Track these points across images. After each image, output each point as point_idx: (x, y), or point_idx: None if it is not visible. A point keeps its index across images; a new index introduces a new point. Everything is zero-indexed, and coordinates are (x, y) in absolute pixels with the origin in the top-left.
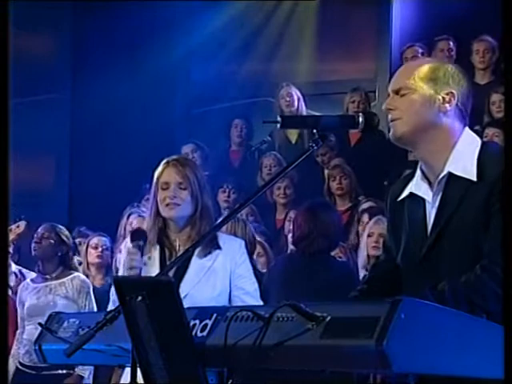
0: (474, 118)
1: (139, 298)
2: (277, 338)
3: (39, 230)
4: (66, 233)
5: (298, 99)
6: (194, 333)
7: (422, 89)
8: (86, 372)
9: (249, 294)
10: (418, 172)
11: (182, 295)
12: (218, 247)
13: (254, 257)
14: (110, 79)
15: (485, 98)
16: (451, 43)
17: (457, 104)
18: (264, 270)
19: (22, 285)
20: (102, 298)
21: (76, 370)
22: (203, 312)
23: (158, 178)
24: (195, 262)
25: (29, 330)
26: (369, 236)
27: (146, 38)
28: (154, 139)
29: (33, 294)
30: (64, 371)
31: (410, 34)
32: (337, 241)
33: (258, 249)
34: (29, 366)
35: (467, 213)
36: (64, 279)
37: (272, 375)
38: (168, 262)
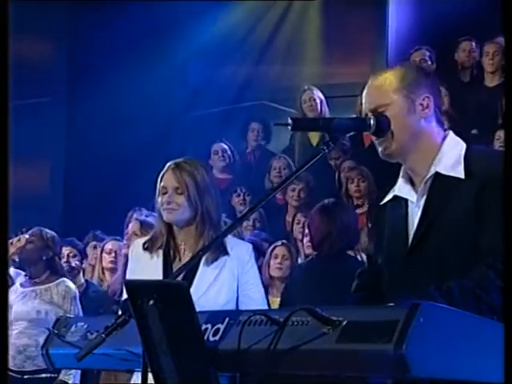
0: (486, 120)
1: (151, 301)
2: (291, 343)
3: (27, 234)
4: (53, 237)
5: (321, 103)
6: (206, 337)
7: (399, 100)
8: (71, 377)
9: (254, 301)
10: (401, 177)
11: None
12: (226, 253)
13: (279, 259)
14: (106, 82)
15: (496, 100)
16: (474, 44)
17: (434, 108)
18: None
19: (11, 288)
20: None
21: (60, 375)
22: (215, 316)
23: (159, 182)
24: (202, 270)
25: (13, 335)
26: None
27: (143, 41)
28: (151, 143)
29: (19, 299)
30: (48, 375)
31: (407, 37)
32: (355, 239)
33: (283, 251)
34: (12, 370)
35: (455, 210)
36: (50, 284)
37: (286, 380)
38: (174, 266)
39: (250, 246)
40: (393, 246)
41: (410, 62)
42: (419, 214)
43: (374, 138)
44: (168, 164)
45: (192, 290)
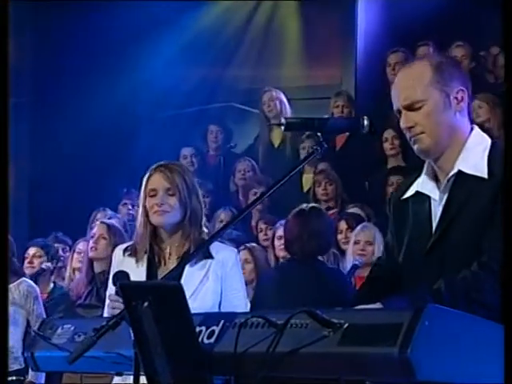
0: None
1: (145, 303)
2: (291, 345)
3: None
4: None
5: (282, 103)
6: (200, 339)
7: (435, 95)
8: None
9: (236, 307)
10: (425, 171)
11: None
12: (211, 256)
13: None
14: (71, 84)
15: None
16: (431, 49)
17: (468, 100)
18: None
19: None
20: None
21: (29, 375)
22: (209, 318)
23: (145, 185)
24: (189, 272)
25: None
26: (355, 243)
27: (111, 42)
28: (115, 144)
29: None
30: (14, 378)
31: (375, 39)
32: (327, 245)
33: (246, 255)
34: None
35: (474, 210)
36: (10, 285)
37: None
38: (159, 272)
39: (235, 251)
40: (414, 242)
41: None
42: (440, 212)
43: (407, 133)
44: (153, 167)
45: None
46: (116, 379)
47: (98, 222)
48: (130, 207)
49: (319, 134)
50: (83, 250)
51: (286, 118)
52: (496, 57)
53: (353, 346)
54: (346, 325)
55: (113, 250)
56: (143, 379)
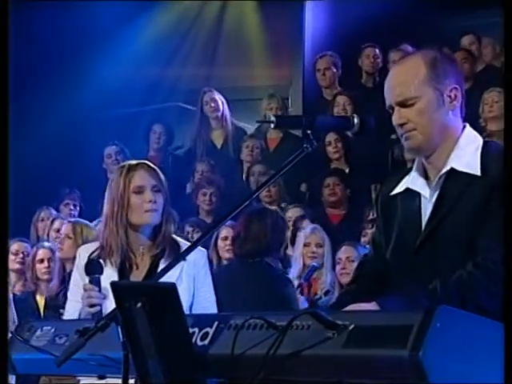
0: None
1: (139, 304)
2: (292, 348)
3: None
4: None
5: (223, 104)
6: (193, 341)
7: (428, 93)
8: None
9: (205, 309)
10: (416, 168)
11: None
12: (183, 258)
13: None
14: (21, 82)
15: None
16: (377, 50)
17: (460, 98)
18: None
19: None
20: (22, 305)
21: None
22: (202, 319)
23: (127, 183)
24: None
25: None
26: (305, 245)
27: (61, 43)
28: (58, 143)
29: None
30: None
31: (323, 42)
32: (269, 246)
33: None
34: None
35: (466, 208)
36: None
37: None
38: (131, 274)
39: (205, 251)
40: (404, 240)
41: (434, 47)
42: (431, 209)
43: (399, 130)
44: (130, 164)
45: None
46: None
47: (65, 222)
48: (71, 207)
49: (309, 131)
50: (19, 250)
51: (275, 116)
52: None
53: (359, 348)
54: (352, 326)
55: None
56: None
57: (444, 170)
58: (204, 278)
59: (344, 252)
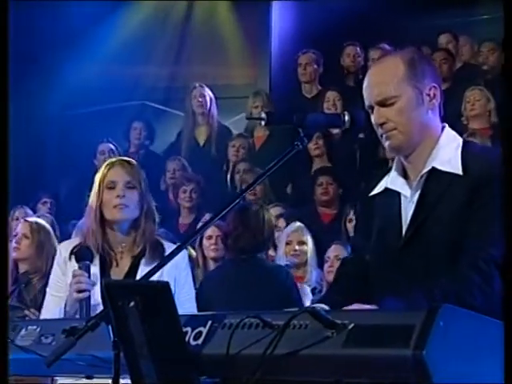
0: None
1: (132, 303)
2: (289, 347)
3: None
4: None
5: (211, 101)
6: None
7: (408, 92)
8: None
9: (185, 310)
10: (395, 168)
11: None
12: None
13: None
14: None
15: None
16: (358, 49)
17: (439, 97)
18: None
19: None
20: None
21: None
22: (195, 319)
23: (102, 179)
24: (143, 272)
25: None
26: (287, 244)
27: (32, 42)
28: (33, 143)
29: None
30: None
31: (290, 41)
32: (264, 242)
33: None
34: None
35: (449, 206)
36: None
37: None
38: (112, 272)
39: (186, 252)
40: (384, 240)
41: (412, 47)
42: (413, 209)
43: (379, 130)
44: (110, 160)
45: None
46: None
47: (21, 221)
48: (49, 206)
49: (300, 129)
50: None
51: (266, 113)
52: None
53: (359, 347)
54: (352, 325)
55: (37, 249)
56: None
57: (425, 170)
58: (185, 278)
59: (333, 250)
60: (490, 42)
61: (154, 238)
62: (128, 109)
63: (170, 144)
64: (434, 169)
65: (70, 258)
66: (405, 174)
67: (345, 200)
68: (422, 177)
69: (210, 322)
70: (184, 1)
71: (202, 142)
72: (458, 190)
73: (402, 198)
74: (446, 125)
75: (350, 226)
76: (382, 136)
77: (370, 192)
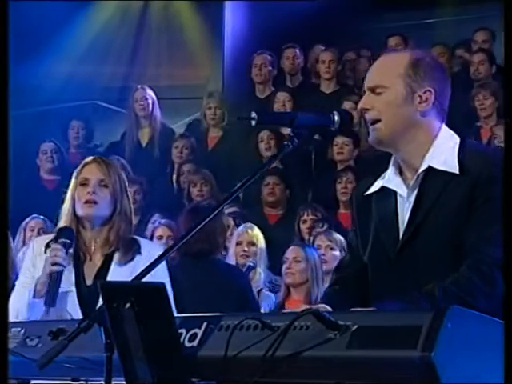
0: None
1: (127, 304)
2: (291, 348)
3: None
4: None
5: (153, 103)
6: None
7: (399, 87)
8: None
9: None
10: (392, 167)
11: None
12: (139, 252)
13: None
14: None
15: (333, 106)
16: (298, 51)
17: (434, 102)
18: None
19: None
20: None
21: None
22: (189, 320)
23: (77, 176)
24: (115, 269)
25: None
26: (237, 244)
27: None
28: None
29: None
30: None
31: (242, 43)
32: (218, 245)
33: None
34: None
35: (447, 207)
36: None
37: None
38: (85, 267)
39: (162, 247)
40: (381, 241)
41: (427, 50)
42: (410, 209)
43: (365, 115)
44: (88, 158)
45: None
46: None
47: None
48: None
49: (290, 129)
50: None
51: (256, 112)
52: (355, 61)
53: (364, 349)
54: (355, 327)
55: None
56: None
57: (422, 169)
58: (162, 274)
59: (291, 252)
60: (440, 45)
61: (128, 237)
62: (78, 108)
63: (110, 144)
64: (430, 168)
65: (45, 252)
66: (401, 174)
67: (293, 201)
68: (418, 176)
69: (205, 324)
70: (140, 0)
71: (144, 144)
72: (456, 189)
73: (399, 197)
74: (443, 125)
75: (304, 227)
76: (368, 126)
77: (364, 191)
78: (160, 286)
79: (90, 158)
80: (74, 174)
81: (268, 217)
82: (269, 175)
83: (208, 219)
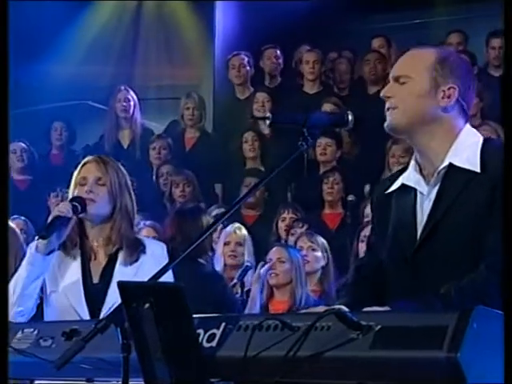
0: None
1: (146, 305)
2: (313, 349)
3: None
4: None
5: (135, 106)
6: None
7: (423, 80)
8: None
9: None
10: (413, 164)
11: (109, 305)
12: (144, 252)
13: None
14: None
15: (319, 107)
16: (278, 52)
17: (458, 99)
18: None
19: None
20: None
21: None
22: (207, 321)
23: (76, 176)
24: (120, 270)
25: None
26: (225, 244)
27: None
28: None
29: None
30: None
31: (233, 43)
32: (203, 247)
33: None
34: None
35: (467, 206)
36: None
37: None
38: (91, 266)
39: (165, 246)
40: (399, 239)
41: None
42: (430, 205)
43: (387, 111)
44: (87, 158)
45: (110, 290)
46: None
47: None
48: None
49: (304, 129)
50: None
51: (271, 113)
52: (335, 61)
53: (388, 349)
54: (379, 327)
55: None
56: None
57: (443, 165)
58: (167, 275)
59: (275, 253)
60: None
61: (132, 236)
62: (69, 108)
63: (94, 146)
64: (451, 165)
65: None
66: (421, 171)
67: (271, 203)
68: (439, 173)
69: (223, 324)
70: (134, 1)
71: (126, 145)
72: (477, 188)
73: (418, 194)
74: (468, 124)
75: (283, 225)
76: (387, 111)
77: (385, 190)
78: (178, 286)
79: (89, 158)
80: (75, 174)
81: (245, 218)
82: (249, 176)
83: (216, 225)
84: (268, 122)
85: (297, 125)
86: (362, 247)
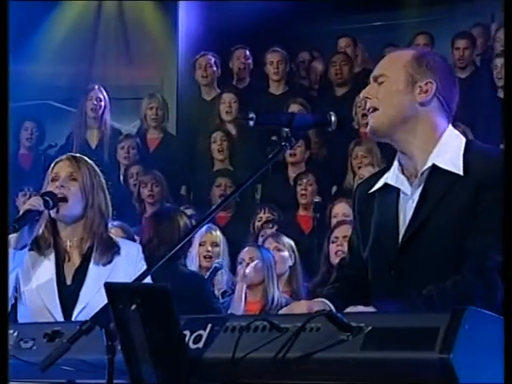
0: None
1: (133, 306)
2: (303, 350)
3: None
4: None
5: (105, 106)
6: None
7: (400, 77)
8: None
9: None
10: (396, 164)
11: (82, 305)
12: (118, 253)
13: None
14: None
15: (283, 107)
16: (248, 52)
17: (436, 95)
18: None
19: None
20: None
21: None
22: (193, 322)
23: (50, 173)
24: (93, 270)
25: None
26: (201, 245)
27: None
28: None
29: None
30: None
31: (197, 43)
32: (181, 248)
33: None
34: None
35: (450, 208)
36: None
37: None
38: (65, 267)
39: (140, 247)
40: (381, 239)
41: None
42: (413, 206)
43: (366, 105)
44: (60, 157)
45: (83, 290)
46: None
47: None
48: None
49: (287, 129)
50: None
51: (254, 112)
52: (310, 62)
53: (379, 350)
54: (369, 328)
55: None
56: None
57: (426, 166)
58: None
59: (247, 253)
60: (390, 47)
61: (105, 235)
62: (29, 108)
63: (60, 146)
64: (434, 166)
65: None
66: (404, 171)
67: (242, 203)
68: (422, 173)
69: (210, 325)
70: (95, 0)
71: (94, 145)
72: (461, 191)
73: (401, 195)
74: (450, 125)
75: (259, 225)
76: (367, 114)
77: (367, 190)
78: (165, 288)
79: (61, 157)
80: (48, 172)
81: (217, 218)
82: (221, 176)
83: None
84: (252, 122)
85: (281, 126)
86: (333, 248)
